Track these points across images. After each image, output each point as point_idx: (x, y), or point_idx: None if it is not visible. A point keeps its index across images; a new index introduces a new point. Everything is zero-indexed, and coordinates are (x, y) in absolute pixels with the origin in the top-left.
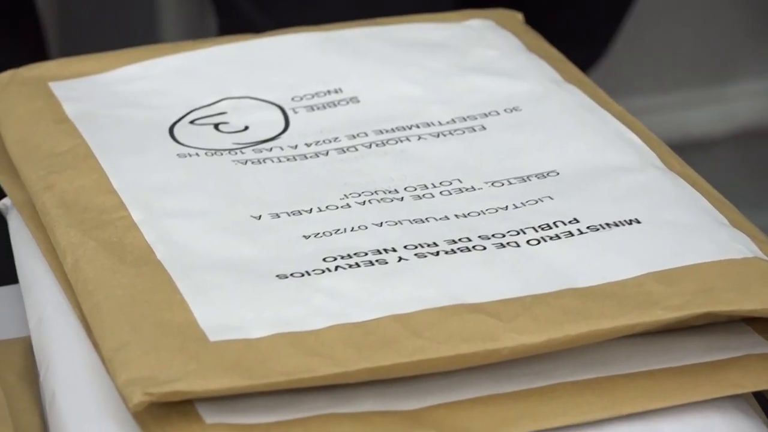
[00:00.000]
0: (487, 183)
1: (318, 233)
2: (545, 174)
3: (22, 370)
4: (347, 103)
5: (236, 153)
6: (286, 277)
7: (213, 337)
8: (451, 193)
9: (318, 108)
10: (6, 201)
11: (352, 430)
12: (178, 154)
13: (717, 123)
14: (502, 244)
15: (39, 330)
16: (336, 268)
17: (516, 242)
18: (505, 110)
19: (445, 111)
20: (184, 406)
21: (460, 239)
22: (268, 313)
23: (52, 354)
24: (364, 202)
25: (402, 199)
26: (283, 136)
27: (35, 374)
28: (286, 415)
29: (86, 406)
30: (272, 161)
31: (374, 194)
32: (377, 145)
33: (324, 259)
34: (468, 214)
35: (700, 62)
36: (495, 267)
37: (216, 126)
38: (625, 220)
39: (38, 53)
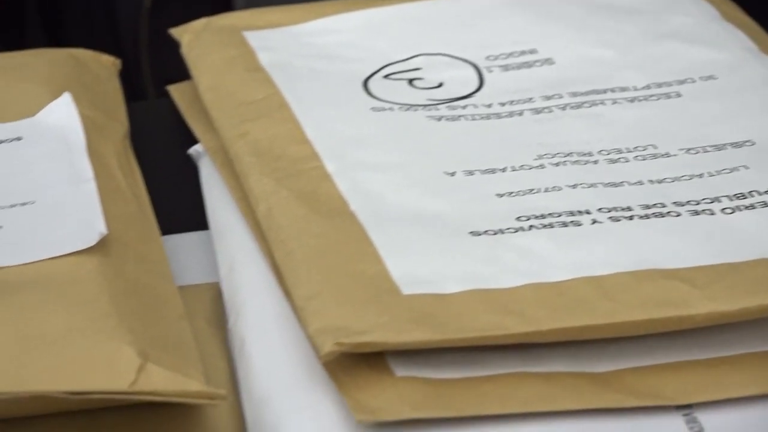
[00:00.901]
0: (681, 150)
1: (512, 192)
2: (740, 143)
3: (210, 315)
4: (541, 64)
5: (430, 109)
6: (479, 235)
7: (405, 290)
8: (645, 159)
9: (512, 68)
10: (198, 147)
11: (542, 390)
12: (372, 108)
13: None
14: (696, 211)
15: (230, 277)
16: (530, 227)
17: (710, 210)
18: (700, 78)
19: (640, 76)
20: (373, 357)
21: (654, 204)
22: (461, 269)
23: (242, 301)
24: (558, 163)
25: (596, 162)
26: (477, 94)
27: (224, 320)
28: (475, 372)
29: (276, 353)
30: (466, 119)
31: (568, 156)
32: (571, 107)
33: (517, 218)
34: (662, 180)
35: None
36: (689, 234)
37: (410, 81)
38: None
39: (222, 3)
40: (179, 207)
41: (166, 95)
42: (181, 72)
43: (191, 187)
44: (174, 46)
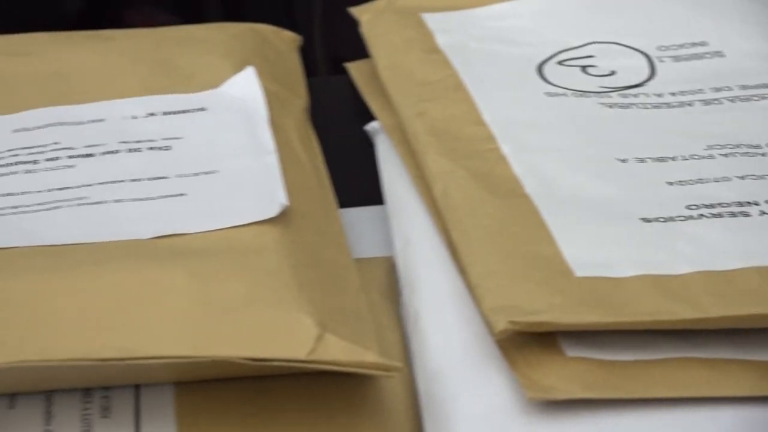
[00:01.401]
0: None
1: (682, 181)
2: None
3: (385, 288)
4: (711, 56)
5: (603, 96)
6: (650, 221)
7: (578, 273)
8: None
9: (683, 59)
10: (374, 124)
11: (709, 375)
12: (546, 93)
13: None
14: None
15: (405, 252)
16: (699, 216)
17: None
18: None
19: None
20: (544, 336)
21: None
22: (633, 254)
23: (417, 276)
24: (728, 154)
25: (764, 154)
26: (648, 83)
27: (397, 293)
28: (644, 355)
29: (449, 328)
30: (637, 107)
31: (737, 147)
32: (741, 99)
33: (687, 207)
34: None
35: None
36: None
37: (583, 68)
38: None
39: None
40: (355, 181)
41: (338, 72)
42: (351, 49)
43: (367, 163)
44: (345, 24)
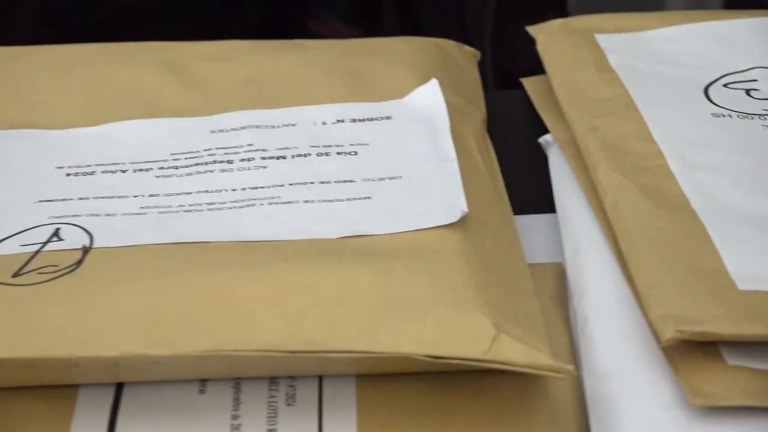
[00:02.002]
0: None
1: None
2: None
3: (554, 293)
4: None
5: (766, 119)
6: None
7: (742, 286)
8: None
9: None
10: (548, 137)
11: None
12: (712, 114)
13: None
14: None
15: (575, 259)
16: None
17: None
18: None
19: None
20: (707, 345)
21: None
22: None
23: (586, 283)
24: None
25: None
26: None
27: (566, 298)
28: None
29: (616, 333)
30: None
31: None
32: None
33: None
34: None
35: None
36: None
37: (747, 92)
38: None
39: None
40: (528, 190)
41: (506, 85)
42: (517, 64)
43: (539, 173)
44: (514, 40)
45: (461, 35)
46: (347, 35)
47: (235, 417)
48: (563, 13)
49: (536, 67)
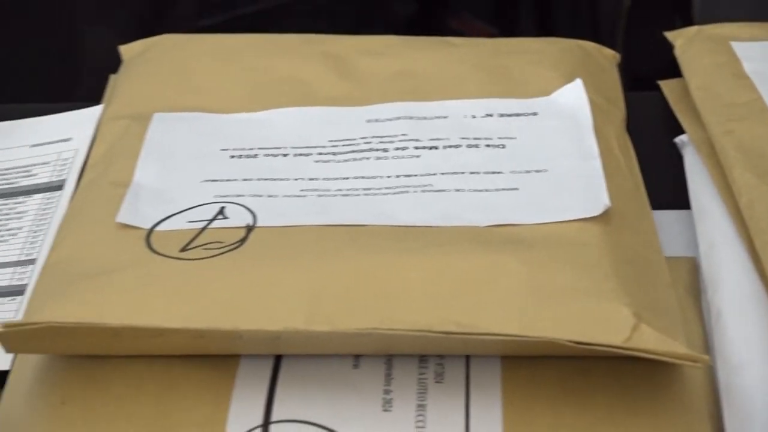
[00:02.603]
0: None
1: None
2: None
3: (688, 286)
4: None
5: None
6: None
7: None
8: None
9: None
10: (683, 137)
11: None
12: None
13: None
14: None
15: (709, 254)
16: None
17: None
18: None
19: None
20: None
21: None
22: None
23: (719, 276)
24: None
25: None
26: None
27: (699, 291)
28: None
29: (749, 326)
30: None
31: None
32: None
33: None
34: None
35: None
36: None
37: None
38: None
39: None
40: (663, 187)
41: (636, 87)
42: (649, 66)
43: (675, 170)
44: (646, 43)
45: (594, 37)
46: (486, 33)
47: (386, 392)
48: (688, 18)
49: (666, 70)
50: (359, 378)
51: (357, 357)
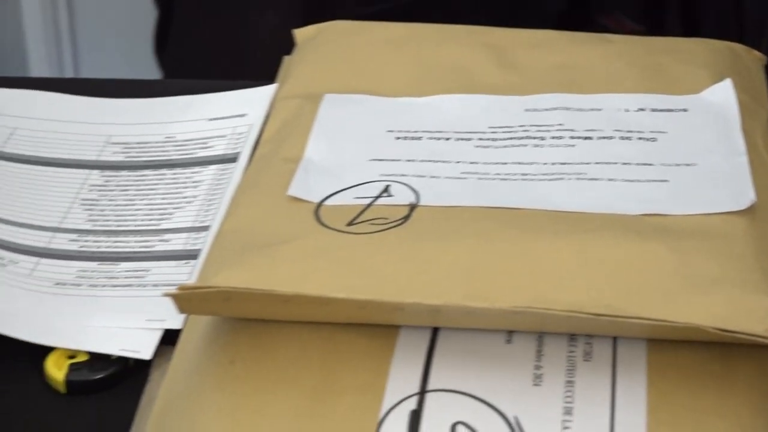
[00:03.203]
0: None
1: None
2: None
3: None
4: None
5: None
6: None
7: None
8: None
9: None
10: None
11: None
12: None
13: None
14: None
15: None
16: None
17: None
18: None
19: None
20: None
21: None
22: None
23: None
24: None
25: None
26: None
27: None
28: None
29: None
30: None
31: None
32: None
33: None
34: None
35: None
36: None
37: None
38: None
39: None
40: None
41: None
42: None
43: None
44: None
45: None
46: (633, 31)
47: (537, 367)
48: None
49: None
50: (511, 353)
51: (509, 332)
